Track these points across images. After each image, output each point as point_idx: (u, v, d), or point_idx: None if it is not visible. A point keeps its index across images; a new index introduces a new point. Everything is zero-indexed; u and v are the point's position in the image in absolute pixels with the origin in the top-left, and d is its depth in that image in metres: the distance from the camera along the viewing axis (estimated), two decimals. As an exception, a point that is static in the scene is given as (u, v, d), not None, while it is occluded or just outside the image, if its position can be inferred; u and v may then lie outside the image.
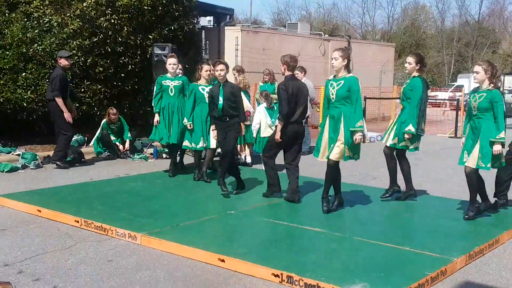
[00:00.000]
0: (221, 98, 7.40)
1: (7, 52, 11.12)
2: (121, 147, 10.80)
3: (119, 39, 11.99)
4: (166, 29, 12.99)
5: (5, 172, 9.44)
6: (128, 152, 11.14)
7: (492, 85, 6.26)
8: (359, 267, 5.00)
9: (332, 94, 6.52)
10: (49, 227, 6.30)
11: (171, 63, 8.81)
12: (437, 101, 24.89)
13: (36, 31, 11.28)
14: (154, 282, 4.72)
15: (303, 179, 9.01)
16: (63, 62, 9.64)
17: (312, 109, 14.22)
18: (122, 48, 12.05)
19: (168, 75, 8.87)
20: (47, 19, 11.42)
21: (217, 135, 7.68)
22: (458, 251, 5.43)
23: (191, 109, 8.40)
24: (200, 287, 4.63)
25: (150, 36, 12.55)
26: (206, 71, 8.47)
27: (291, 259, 5.10)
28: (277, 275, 4.75)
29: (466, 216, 6.48)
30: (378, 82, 21.08)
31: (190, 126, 8.37)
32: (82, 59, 11.59)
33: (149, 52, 12.28)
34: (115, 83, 12.31)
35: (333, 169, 6.60)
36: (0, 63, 11.11)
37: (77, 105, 10.79)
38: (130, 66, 12.29)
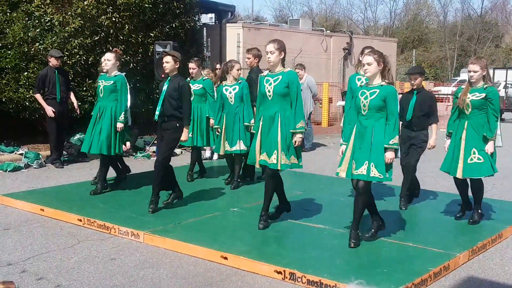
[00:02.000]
0: (163, 95, 6.59)
1: (9, 52, 11.13)
2: (123, 147, 10.60)
3: (121, 37, 11.98)
4: (168, 26, 12.98)
5: (8, 171, 9.47)
6: (130, 150, 11.14)
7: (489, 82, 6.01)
8: (361, 263, 5.00)
9: (269, 91, 5.78)
10: (52, 226, 6.31)
11: (190, 67, 8.33)
12: (440, 96, 24.80)
13: (38, 30, 11.28)
14: (157, 280, 4.73)
15: (304, 176, 9.00)
16: (52, 61, 9.69)
17: (315, 105, 14.23)
18: (123, 46, 12.04)
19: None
20: (48, 18, 11.41)
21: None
22: (461, 246, 5.43)
23: (218, 112, 7.87)
24: (203, 285, 4.63)
25: (152, 34, 12.54)
26: (238, 70, 7.83)
27: (293, 256, 5.10)
28: (279, 272, 4.75)
29: (471, 220, 6.23)
30: (381, 78, 21.01)
31: (218, 131, 7.87)
32: (84, 57, 11.59)
33: (151, 50, 12.28)
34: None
35: (273, 178, 5.89)
36: (2, 62, 11.13)
37: (79, 103, 10.77)
38: (132, 65, 12.28)
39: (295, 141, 5.73)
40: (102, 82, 7.46)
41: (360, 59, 6.52)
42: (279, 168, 5.71)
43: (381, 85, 5.30)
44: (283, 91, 5.71)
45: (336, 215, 6.55)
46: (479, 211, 6.28)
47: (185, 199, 7.14)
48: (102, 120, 7.35)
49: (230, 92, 7.74)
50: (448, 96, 24.11)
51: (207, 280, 4.74)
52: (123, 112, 7.34)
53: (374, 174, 5.21)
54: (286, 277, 4.71)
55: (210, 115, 8.24)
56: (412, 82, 6.76)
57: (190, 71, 8.30)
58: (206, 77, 8.57)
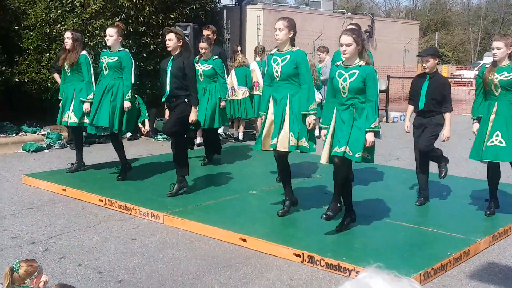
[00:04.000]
0: (168, 75, 6.36)
1: (31, 33, 11.21)
2: (142, 129, 10.32)
3: (141, 19, 11.97)
4: (188, 8, 12.92)
5: (31, 152, 9.60)
6: (150, 133, 11.17)
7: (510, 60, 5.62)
8: (380, 247, 4.99)
9: (277, 72, 5.50)
10: (74, 206, 6.40)
11: (201, 47, 8.00)
12: (463, 80, 24.45)
13: (59, 11, 11.33)
14: (177, 260, 4.78)
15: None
16: None
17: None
18: (144, 28, 12.04)
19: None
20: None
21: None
22: (482, 232, 5.38)
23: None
24: (222, 266, 4.67)
25: (172, 16, 12.51)
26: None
27: (312, 239, 5.11)
28: (298, 255, 4.77)
29: (488, 212, 5.91)
30: (402, 61, 20.77)
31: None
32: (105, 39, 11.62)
33: (171, 31, 12.25)
34: (137, 63, 12.30)
35: (281, 160, 5.69)
36: (24, 43, 11.22)
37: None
38: (152, 46, 12.29)
39: (309, 124, 5.47)
40: (105, 58, 7.08)
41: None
42: (277, 148, 5.45)
43: (360, 65, 4.99)
44: (292, 72, 5.44)
45: (355, 198, 6.51)
46: (496, 200, 5.98)
47: (204, 182, 7.18)
48: (108, 98, 6.98)
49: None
50: (471, 80, 23.75)
51: (226, 261, 4.78)
52: (130, 90, 6.99)
53: (347, 151, 4.94)
54: (305, 260, 4.73)
55: (222, 96, 8.03)
56: (424, 64, 6.20)
57: (202, 51, 7.93)
58: (216, 57, 8.14)
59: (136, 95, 7.33)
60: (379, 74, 17.44)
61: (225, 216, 5.79)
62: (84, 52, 7.45)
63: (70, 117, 7.39)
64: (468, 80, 24.29)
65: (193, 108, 6.36)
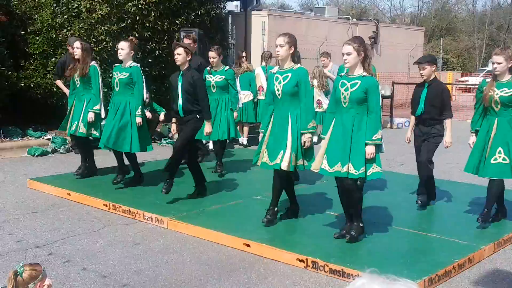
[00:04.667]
0: (179, 91, 6.38)
1: (37, 38, 11.28)
2: (161, 117, 9.10)
3: (147, 24, 12.03)
4: (193, 14, 12.97)
5: (36, 156, 9.64)
6: (155, 138, 11.15)
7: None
8: (384, 253, 4.98)
9: (278, 90, 5.46)
10: (79, 210, 6.42)
11: (210, 56, 7.81)
12: (468, 86, 24.42)
13: (65, 16, 11.39)
14: (181, 265, 4.79)
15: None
16: (69, 49, 9.70)
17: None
18: (149, 33, 12.09)
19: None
20: (75, 5, 11.51)
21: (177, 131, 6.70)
22: (487, 238, 5.36)
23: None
24: (225, 271, 4.67)
25: (177, 21, 12.56)
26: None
27: (316, 244, 5.11)
28: (302, 260, 4.76)
29: (480, 219, 5.74)
30: (407, 67, 20.76)
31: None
32: (110, 44, 11.67)
33: (176, 37, 12.30)
34: (142, 68, 12.34)
35: (280, 178, 5.66)
36: (30, 48, 11.29)
37: (106, 90, 10.88)
38: (157, 51, 12.34)
39: (304, 142, 5.41)
40: (117, 74, 7.06)
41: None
42: (281, 167, 5.41)
43: (363, 76, 4.98)
44: (292, 91, 5.41)
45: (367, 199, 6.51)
46: (504, 207, 5.98)
47: (209, 187, 7.18)
48: (120, 115, 6.94)
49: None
50: (476, 86, 23.74)
51: (230, 266, 4.78)
52: (140, 106, 6.94)
53: (351, 171, 4.92)
54: (309, 266, 4.72)
55: (233, 107, 7.84)
56: (421, 72, 6.19)
57: (210, 60, 7.78)
58: (227, 67, 8.04)
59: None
60: (384, 80, 17.51)
61: (229, 221, 5.79)
62: (93, 63, 7.45)
63: (79, 128, 7.36)
64: (473, 86, 24.27)
65: (206, 122, 6.45)
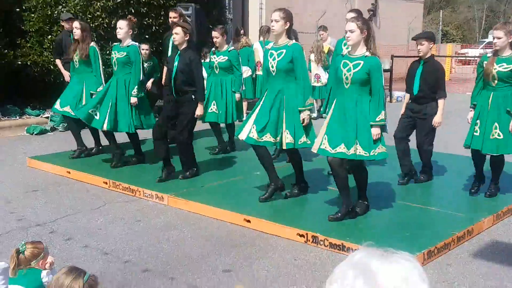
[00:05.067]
0: (174, 70, 6.27)
1: (32, 15, 11.15)
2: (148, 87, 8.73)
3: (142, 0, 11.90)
4: (190, -12, 12.82)
5: (35, 134, 9.63)
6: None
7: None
8: (384, 227, 5.01)
9: (272, 67, 5.38)
10: (79, 188, 6.43)
11: (213, 36, 7.60)
12: (467, 58, 24.29)
13: (61, -8, 11.26)
14: (182, 241, 4.82)
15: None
16: (64, 25, 9.60)
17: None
18: (145, 9, 11.96)
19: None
20: (71, -19, 11.37)
21: (162, 111, 6.59)
22: (486, 210, 5.39)
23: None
24: (226, 247, 4.70)
25: (174, -4, 12.42)
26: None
27: (316, 219, 5.13)
28: (302, 235, 4.79)
29: (488, 193, 5.84)
30: (406, 40, 20.62)
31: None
32: (106, 20, 11.56)
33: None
34: (139, 44, 12.29)
35: (292, 155, 5.72)
36: (26, 26, 11.17)
37: (103, 67, 10.84)
38: (154, 27, 12.22)
39: (303, 119, 5.36)
40: (115, 53, 6.98)
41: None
42: (284, 147, 5.44)
43: (365, 56, 4.88)
44: (287, 67, 5.33)
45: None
46: (497, 184, 5.94)
47: (208, 163, 7.19)
48: (116, 96, 6.88)
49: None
50: (476, 58, 23.60)
51: (230, 242, 4.81)
52: (136, 86, 6.85)
53: (360, 152, 4.87)
54: (309, 240, 4.75)
55: (236, 89, 7.56)
56: (418, 47, 6.08)
57: (214, 40, 7.57)
58: (232, 48, 7.78)
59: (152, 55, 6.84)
60: (383, 53, 17.36)
61: (229, 197, 5.81)
62: (93, 43, 7.36)
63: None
64: (473, 58, 24.13)
65: (199, 103, 6.30)
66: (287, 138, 5.39)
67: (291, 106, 5.37)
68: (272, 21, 5.39)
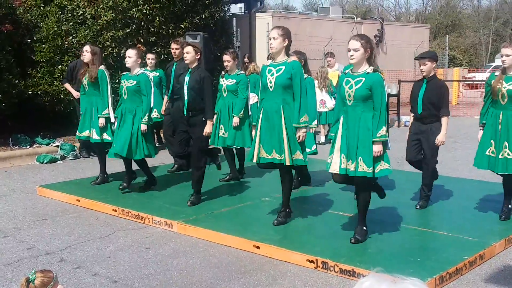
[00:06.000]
0: (185, 88, 6.38)
1: (43, 45, 11.36)
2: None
3: (152, 29, 12.09)
4: (197, 17, 13.02)
5: (45, 163, 9.69)
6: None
7: None
8: (394, 252, 4.96)
9: (270, 82, 5.42)
10: (88, 216, 6.45)
11: (225, 60, 7.66)
12: (475, 82, 24.31)
13: (71, 23, 11.48)
14: (191, 268, 4.80)
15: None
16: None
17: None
18: (154, 38, 12.16)
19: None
20: (80, 12, 11.60)
21: (170, 130, 6.71)
22: (497, 235, 5.34)
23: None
24: (236, 273, 4.67)
25: (182, 25, 12.61)
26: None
27: (325, 244, 5.10)
28: (312, 261, 4.76)
29: (503, 216, 5.84)
30: (413, 65, 20.70)
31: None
32: (116, 50, 11.75)
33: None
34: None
35: (288, 174, 5.74)
36: (37, 56, 11.37)
37: (113, 95, 10.97)
38: (163, 56, 12.39)
39: (298, 136, 5.40)
40: (124, 82, 7.03)
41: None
42: (287, 163, 5.44)
43: (367, 73, 4.91)
44: (286, 83, 5.35)
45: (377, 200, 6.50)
46: (509, 205, 5.89)
47: (216, 190, 7.19)
48: (129, 125, 6.92)
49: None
50: (483, 82, 23.62)
51: (240, 269, 4.78)
52: (147, 114, 6.91)
53: (363, 169, 4.90)
54: (319, 266, 4.72)
55: (236, 112, 7.47)
56: (421, 67, 6.11)
57: (225, 63, 7.64)
58: (241, 72, 7.81)
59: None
60: (390, 78, 17.41)
61: (238, 224, 5.80)
62: (102, 67, 7.47)
63: (92, 134, 7.44)
64: (480, 82, 24.16)
65: (208, 121, 6.37)
66: (287, 155, 5.42)
67: (288, 124, 5.39)
68: (270, 39, 5.46)
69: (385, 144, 4.98)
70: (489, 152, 5.68)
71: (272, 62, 5.56)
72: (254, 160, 5.64)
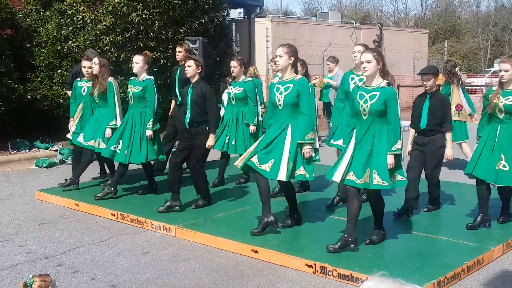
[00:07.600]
0: (188, 103, 6.42)
1: (43, 50, 11.38)
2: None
3: (151, 34, 12.11)
4: (197, 22, 13.05)
5: (44, 167, 9.69)
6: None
7: None
8: (393, 256, 4.97)
9: (279, 101, 5.44)
10: (87, 220, 6.44)
11: (231, 66, 7.65)
12: (474, 87, 24.35)
13: (70, 28, 11.49)
14: (189, 273, 4.80)
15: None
16: (84, 62, 9.71)
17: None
18: (154, 42, 12.17)
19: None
20: (80, 16, 11.61)
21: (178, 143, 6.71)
22: (495, 239, 5.35)
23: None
24: (234, 278, 4.67)
25: (181, 30, 12.63)
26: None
27: (324, 249, 5.09)
28: (310, 266, 4.76)
29: (501, 219, 5.92)
30: (412, 70, 20.75)
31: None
32: (115, 55, 11.75)
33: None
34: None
35: (286, 187, 5.74)
36: (36, 60, 11.38)
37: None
38: (162, 61, 12.41)
39: (303, 153, 5.40)
40: (131, 88, 7.10)
41: (354, 55, 6.25)
42: (279, 178, 5.38)
43: (381, 87, 4.94)
44: (294, 101, 5.38)
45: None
46: (508, 211, 5.94)
47: (215, 194, 7.19)
48: (133, 130, 7.01)
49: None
50: (482, 87, 23.66)
51: (238, 273, 4.78)
52: (151, 119, 6.94)
53: (378, 182, 4.90)
54: (317, 271, 4.72)
55: (250, 121, 7.46)
56: (425, 83, 6.14)
57: (231, 69, 7.61)
58: (248, 79, 7.73)
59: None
60: (389, 83, 17.25)
61: (236, 228, 5.80)
62: (110, 78, 7.43)
63: (99, 144, 7.36)
64: (479, 87, 24.20)
65: (210, 134, 6.40)
66: (284, 170, 5.35)
67: (295, 140, 5.38)
68: (276, 57, 5.45)
69: (399, 156, 5.02)
70: (483, 160, 5.66)
71: (279, 80, 5.55)
72: (240, 164, 5.60)
